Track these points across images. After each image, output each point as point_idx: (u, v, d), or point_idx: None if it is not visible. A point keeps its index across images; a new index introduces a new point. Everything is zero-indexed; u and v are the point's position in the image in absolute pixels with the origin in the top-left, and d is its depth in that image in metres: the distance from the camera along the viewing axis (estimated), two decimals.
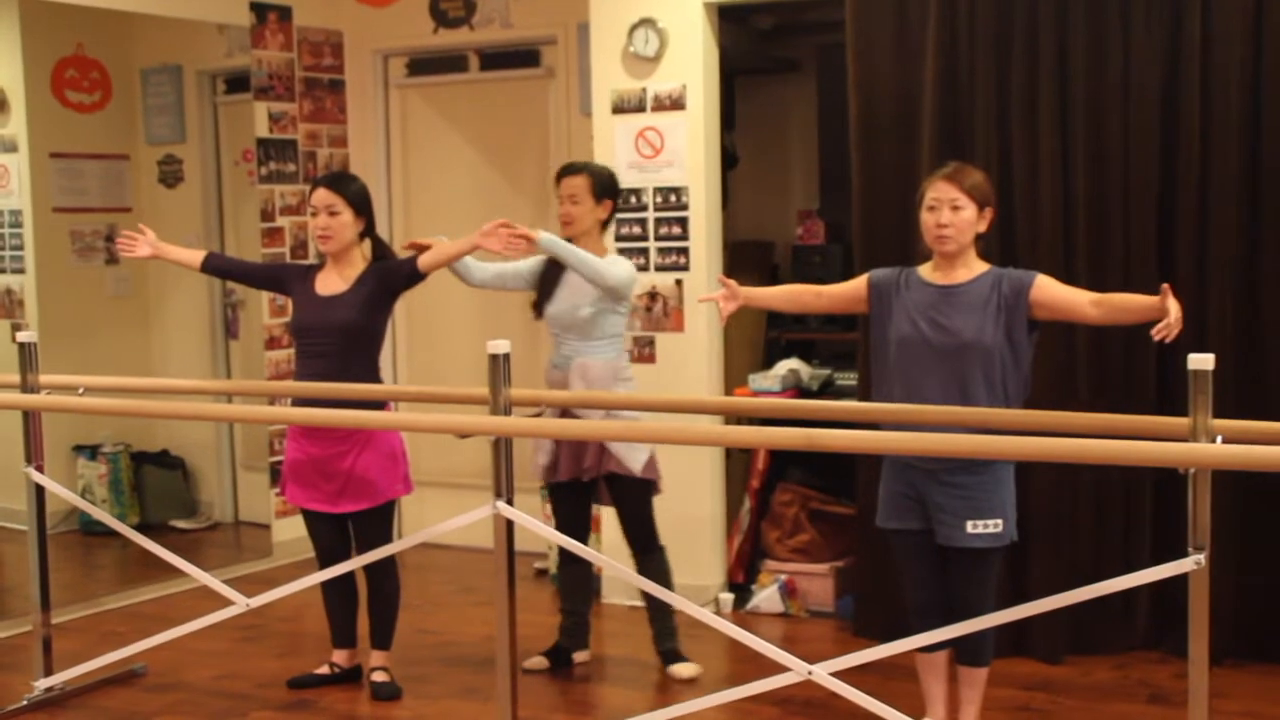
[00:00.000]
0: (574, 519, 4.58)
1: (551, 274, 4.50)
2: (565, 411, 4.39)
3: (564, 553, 4.63)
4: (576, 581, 4.74)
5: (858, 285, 3.87)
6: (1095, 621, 4.61)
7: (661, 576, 4.49)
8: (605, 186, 4.54)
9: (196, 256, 4.59)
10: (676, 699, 3.61)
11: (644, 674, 4.64)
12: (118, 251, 4.59)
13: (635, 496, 4.54)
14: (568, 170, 4.58)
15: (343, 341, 4.34)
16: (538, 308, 4.56)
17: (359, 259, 4.45)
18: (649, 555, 4.53)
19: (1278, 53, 4.41)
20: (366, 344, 4.41)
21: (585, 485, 4.55)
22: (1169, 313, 3.29)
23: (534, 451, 4.60)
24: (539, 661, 4.68)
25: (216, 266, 4.69)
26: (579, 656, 4.74)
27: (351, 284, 4.38)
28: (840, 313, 4.34)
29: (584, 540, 4.53)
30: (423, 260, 4.30)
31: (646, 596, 4.57)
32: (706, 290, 5.01)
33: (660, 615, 4.63)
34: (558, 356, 4.54)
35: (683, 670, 4.57)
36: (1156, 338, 3.30)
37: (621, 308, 4.50)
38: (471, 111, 6.52)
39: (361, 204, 4.43)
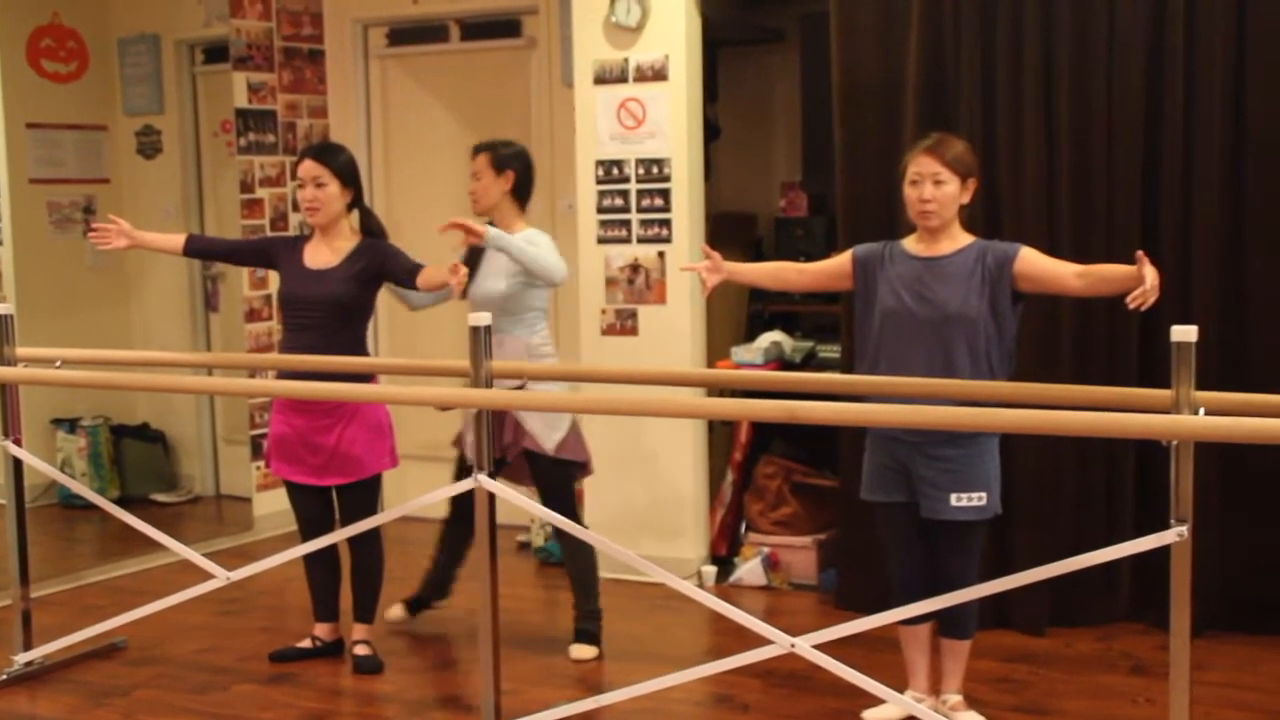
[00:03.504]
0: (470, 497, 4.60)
1: (472, 257, 4.48)
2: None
3: (451, 510, 4.71)
4: (459, 542, 4.77)
5: (841, 262, 3.85)
6: (1077, 593, 4.62)
7: (582, 558, 4.52)
8: (504, 159, 4.52)
9: (177, 241, 4.54)
10: (661, 672, 3.61)
11: (627, 646, 4.64)
12: (93, 245, 4.50)
13: (550, 475, 4.51)
14: (474, 150, 4.61)
15: (331, 315, 4.32)
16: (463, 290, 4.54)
17: (348, 231, 4.43)
18: (568, 536, 4.49)
19: (1261, 23, 4.40)
20: (354, 318, 4.39)
21: (505, 463, 4.50)
22: (1145, 280, 3.28)
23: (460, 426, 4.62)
24: (397, 611, 4.85)
25: (198, 249, 4.65)
26: (438, 604, 4.91)
27: (343, 258, 4.35)
28: (823, 290, 4.32)
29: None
30: (422, 279, 4.22)
31: (570, 573, 4.61)
32: (689, 263, 4.99)
33: (583, 594, 4.62)
34: None
35: (581, 651, 4.55)
36: (1132, 305, 3.29)
37: (541, 283, 4.46)
38: (452, 82, 6.48)
39: (349, 175, 4.40)
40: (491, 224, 4.45)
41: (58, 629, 4.56)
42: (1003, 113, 4.65)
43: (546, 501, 4.50)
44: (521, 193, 4.56)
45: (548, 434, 4.44)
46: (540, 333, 4.52)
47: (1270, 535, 4.53)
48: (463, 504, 4.34)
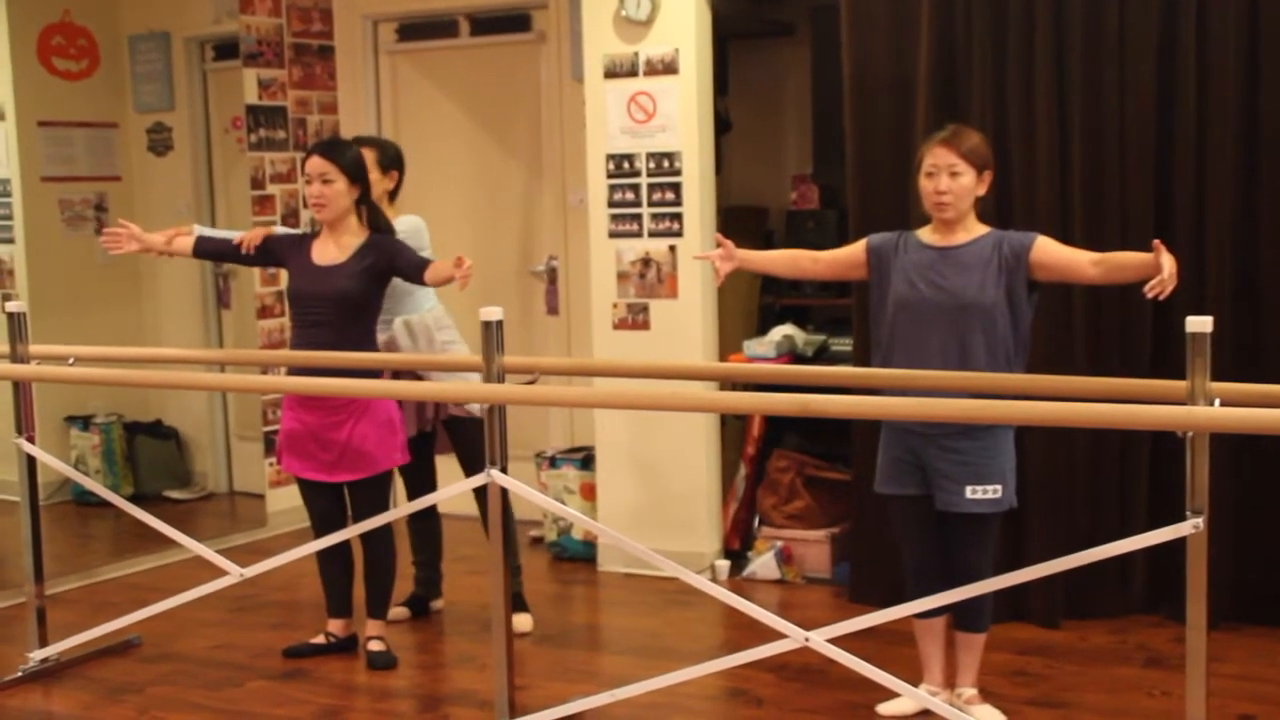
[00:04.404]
0: (422, 472, 4.76)
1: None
2: (397, 374, 4.50)
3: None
4: (428, 535, 4.96)
5: (856, 250, 3.84)
6: (1092, 586, 4.60)
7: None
8: (391, 160, 4.71)
9: (186, 244, 4.55)
10: (675, 666, 3.60)
11: (641, 641, 4.63)
12: (105, 248, 4.51)
13: (474, 438, 4.42)
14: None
15: (339, 311, 4.32)
16: None
17: (356, 227, 4.42)
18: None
19: (1274, 13, 4.37)
20: (363, 314, 4.38)
21: (427, 436, 4.74)
22: (1162, 268, 3.26)
23: None
24: (400, 612, 4.87)
25: (208, 250, 4.65)
26: (436, 605, 4.99)
27: (351, 254, 4.35)
28: (837, 279, 4.32)
29: (433, 486, 4.78)
30: (429, 274, 4.25)
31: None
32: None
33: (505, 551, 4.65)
34: (378, 323, 4.63)
35: (517, 622, 4.55)
36: (1149, 294, 3.27)
37: (425, 255, 4.54)
38: (462, 77, 6.47)
39: (356, 172, 4.40)
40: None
41: (72, 626, 4.56)
42: (1014, 103, 4.63)
43: (471, 460, 4.60)
44: (396, 192, 4.77)
45: None
46: (439, 305, 4.76)
47: None
48: (416, 494, 4.59)
